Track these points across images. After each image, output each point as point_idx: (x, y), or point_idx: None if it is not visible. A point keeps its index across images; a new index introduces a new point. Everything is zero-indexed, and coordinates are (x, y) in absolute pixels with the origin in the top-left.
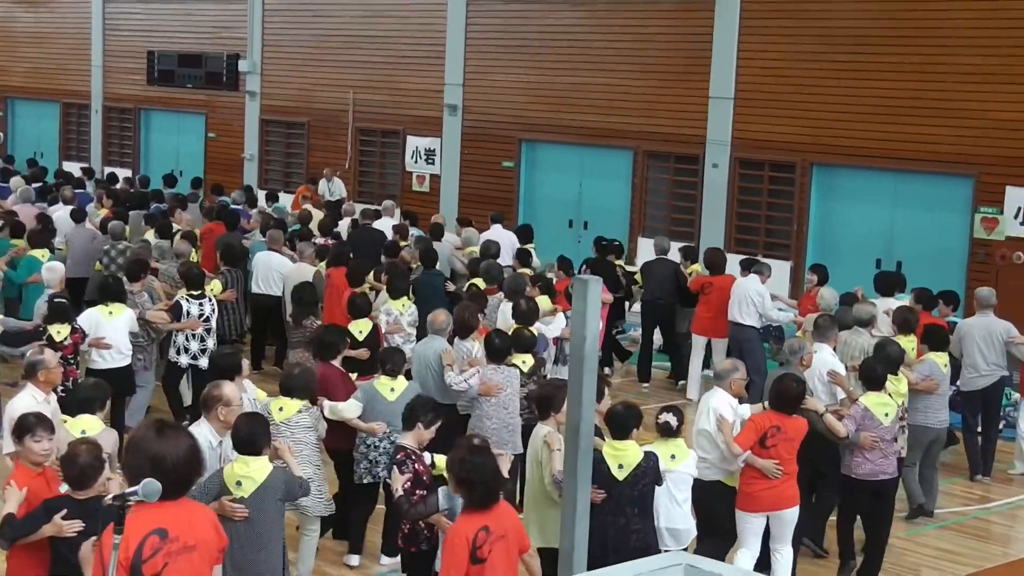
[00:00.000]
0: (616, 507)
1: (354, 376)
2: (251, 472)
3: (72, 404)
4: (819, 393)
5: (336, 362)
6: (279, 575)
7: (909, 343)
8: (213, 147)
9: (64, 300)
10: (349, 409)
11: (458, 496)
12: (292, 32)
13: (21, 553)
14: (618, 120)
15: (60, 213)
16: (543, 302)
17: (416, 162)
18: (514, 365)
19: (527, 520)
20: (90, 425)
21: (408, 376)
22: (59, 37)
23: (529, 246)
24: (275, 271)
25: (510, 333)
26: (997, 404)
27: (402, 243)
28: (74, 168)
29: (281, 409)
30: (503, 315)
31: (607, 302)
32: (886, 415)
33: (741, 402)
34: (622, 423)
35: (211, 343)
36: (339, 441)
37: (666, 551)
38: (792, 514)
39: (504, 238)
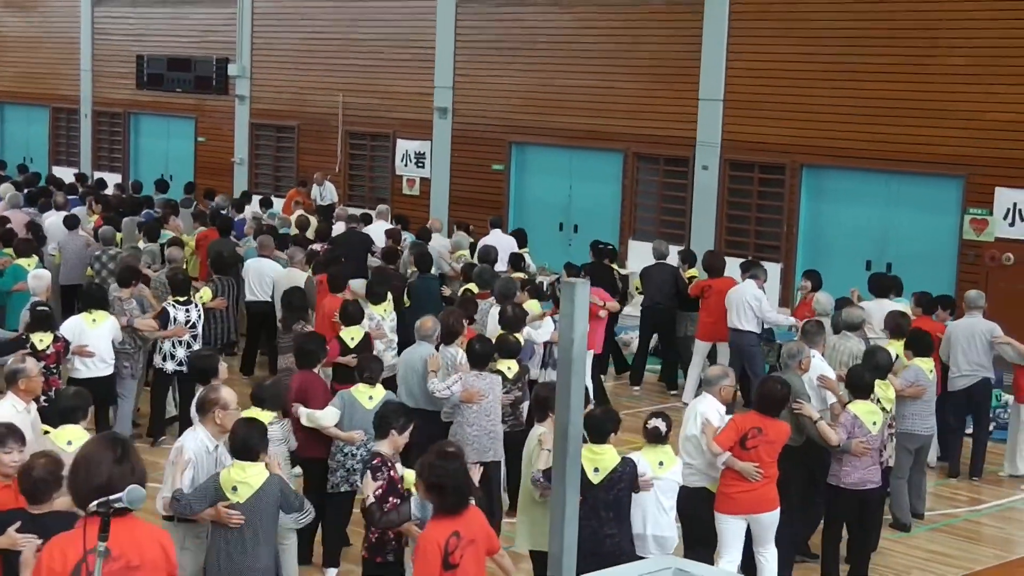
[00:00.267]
0: (591, 511)
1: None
2: (247, 478)
3: (54, 414)
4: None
5: (318, 369)
6: None
7: (901, 348)
8: (203, 151)
9: (47, 308)
10: (327, 417)
11: (430, 505)
12: (281, 36)
13: None
14: (608, 123)
15: (52, 219)
16: (532, 306)
17: (406, 165)
18: (498, 371)
19: (519, 522)
20: (74, 435)
21: (393, 382)
22: (48, 41)
23: (523, 251)
24: (267, 276)
25: (495, 339)
26: (985, 405)
27: (396, 247)
28: (65, 174)
29: None
30: (493, 320)
31: (614, 310)
32: (874, 423)
33: (729, 410)
34: (599, 427)
35: (197, 349)
36: (313, 450)
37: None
38: (771, 518)
39: (504, 242)
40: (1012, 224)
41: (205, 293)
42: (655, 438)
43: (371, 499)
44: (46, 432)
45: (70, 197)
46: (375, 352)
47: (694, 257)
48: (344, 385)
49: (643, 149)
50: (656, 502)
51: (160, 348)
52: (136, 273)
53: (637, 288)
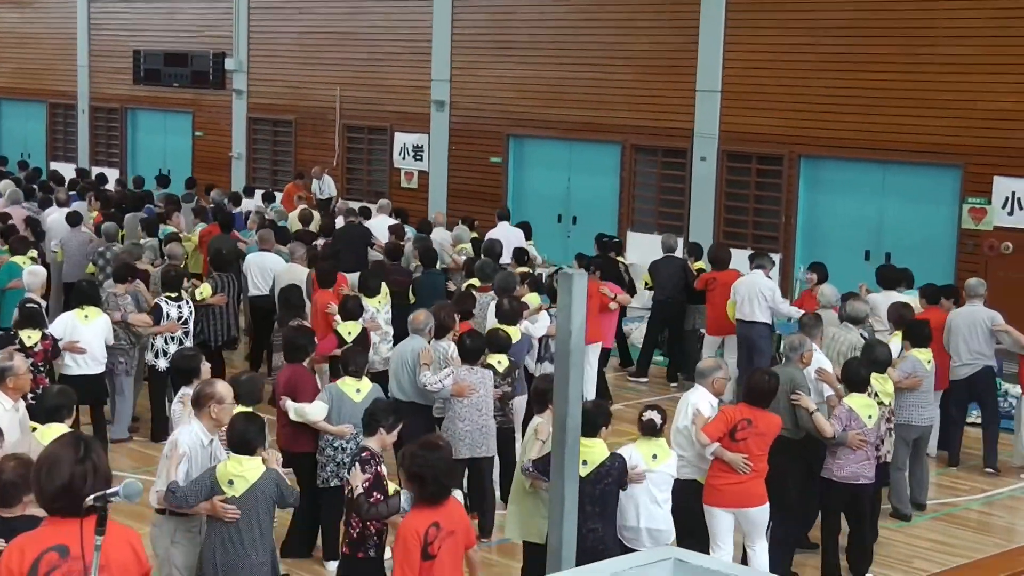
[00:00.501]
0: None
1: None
2: (243, 472)
3: (40, 412)
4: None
5: (306, 363)
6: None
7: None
8: (200, 146)
9: (35, 305)
10: (315, 411)
11: None
12: (278, 30)
13: None
14: (605, 114)
15: (54, 216)
16: (532, 299)
17: (404, 159)
18: (488, 365)
19: (509, 513)
20: (59, 433)
21: (384, 376)
22: (44, 37)
23: (529, 243)
24: (269, 271)
25: (486, 333)
26: (990, 394)
27: (399, 242)
28: (64, 169)
29: None
30: (492, 314)
31: (625, 303)
32: (869, 417)
33: (721, 402)
34: (590, 420)
35: (188, 345)
36: (301, 444)
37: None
38: (758, 513)
39: (511, 235)
40: (1011, 213)
41: (205, 289)
42: (650, 430)
43: (359, 490)
44: (34, 429)
45: (72, 193)
46: (371, 345)
47: (700, 250)
48: None
49: (641, 141)
50: (649, 495)
51: (152, 345)
52: (132, 270)
53: (646, 283)
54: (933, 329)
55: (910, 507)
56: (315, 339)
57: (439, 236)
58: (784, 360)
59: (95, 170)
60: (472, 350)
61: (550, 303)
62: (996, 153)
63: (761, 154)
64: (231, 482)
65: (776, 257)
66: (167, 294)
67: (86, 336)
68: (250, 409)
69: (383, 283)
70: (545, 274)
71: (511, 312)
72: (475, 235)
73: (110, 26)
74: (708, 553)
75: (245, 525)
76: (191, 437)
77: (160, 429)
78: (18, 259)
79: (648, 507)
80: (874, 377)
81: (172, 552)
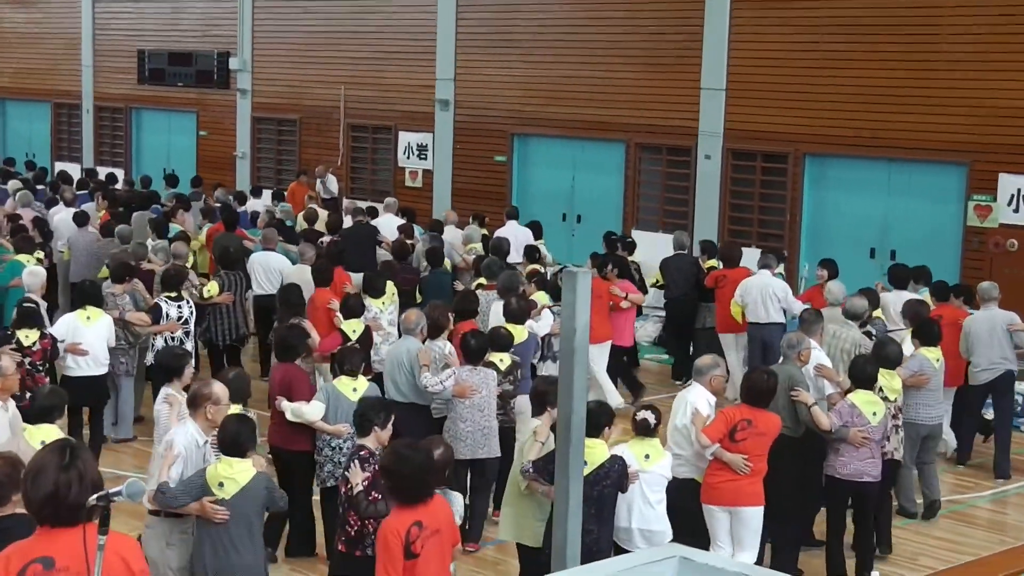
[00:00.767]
0: None
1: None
2: (234, 474)
3: (31, 413)
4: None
5: (300, 362)
6: None
7: None
8: (205, 145)
9: (33, 305)
10: (313, 412)
11: None
12: (282, 29)
13: None
14: (610, 113)
15: (61, 216)
16: (540, 298)
17: (408, 158)
18: (491, 363)
19: (503, 514)
20: (48, 434)
21: (380, 376)
22: (49, 37)
23: (539, 243)
24: (275, 270)
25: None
26: (1007, 399)
27: (408, 242)
28: (70, 170)
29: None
30: (495, 314)
31: (638, 302)
32: (874, 414)
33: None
34: (593, 420)
35: (189, 346)
36: (298, 443)
37: None
38: (751, 514)
39: (520, 234)
40: (1016, 210)
41: (212, 287)
42: (643, 430)
43: (359, 487)
44: (24, 430)
45: (84, 193)
46: (373, 345)
47: (715, 248)
48: None
49: (645, 139)
50: (642, 495)
51: (152, 346)
52: (130, 269)
53: (656, 281)
54: (944, 326)
55: (916, 505)
56: (306, 339)
57: (450, 235)
58: (782, 358)
59: (101, 170)
60: (477, 350)
61: (555, 302)
62: (1002, 150)
63: (766, 152)
64: (221, 484)
65: (783, 254)
66: (166, 294)
67: (88, 337)
68: (241, 408)
69: (389, 284)
70: (551, 273)
71: (519, 311)
72: (484, 232)
73: (114, 26)
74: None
75: (235, 527)
76: (186, 438)
77: None
78: (23, 258)
79: (641, 508)
80: (881, 373)
81: (168, 554)
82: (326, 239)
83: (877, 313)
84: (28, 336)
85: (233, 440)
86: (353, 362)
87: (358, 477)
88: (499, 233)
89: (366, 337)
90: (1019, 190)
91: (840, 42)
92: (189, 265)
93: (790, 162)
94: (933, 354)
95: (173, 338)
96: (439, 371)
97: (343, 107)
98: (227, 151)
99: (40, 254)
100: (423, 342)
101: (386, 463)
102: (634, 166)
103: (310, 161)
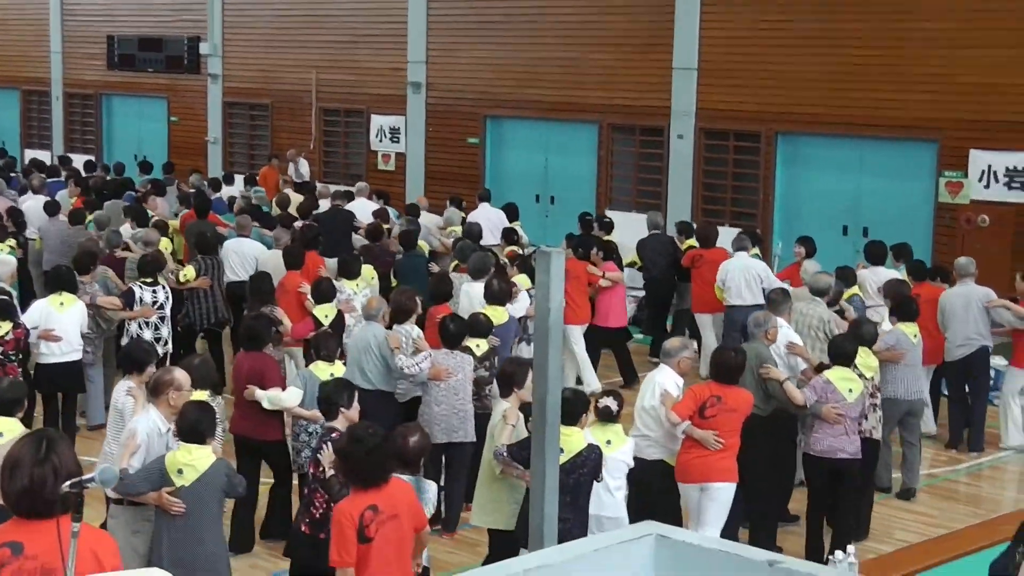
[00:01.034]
0: None
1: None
2: (193, 460)
3: None
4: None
5: (269, 350)
6: (219, 566)
7: None
8: (176, 131)
9: (6, 297)
10: (290, 398)
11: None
12: (252, 13)
13: None
14: (582, 94)
15: (30, 204)
16: (522, 281)
17: (381, 141)
18: (467, 348)
19: (476, 499)
20: (8, 427)
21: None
22: (17, 23)
23: (515, 224)
24: (249, 256)
25: (467, 317)
26: (983, 375)
27: (384, 226)
28: (42, 157)
29: None
30: (466, 295)
31: (615, 280)
32: (850, 391)
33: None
34: (569, 409)
35: (165, 332)
36: (271, 432)
37: None
38: (720, 490)
39: (493, 217)
40: (987, 186)
41: (189, 271)
42: (605, 417)
43: (331, 471)
44: None
45: (53, 180)
46: (346, 327)
47: (691, 228)
48: None
49: (618, 120)
50: (602, 482)
51: (127, 331)
52: (94, 258)
53: (633, 262)
54: (922, 304)
55: (889, 480)
56: (274, 328)
57: (426, 220)
58: (750, 337)
59: (74, 156)
60: (455, 334)
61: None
62: (972, 127)
63: (738, 131)
64: (180, 471)
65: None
66: (142, 279)
67: (62, 323)
68: (205, 395)
69: (368, 267)
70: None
71: (500, 293)
72: (463, 214)
73: (83, 11)
74: None
75: (195, 515)
76: (149, 425)
77: None
78: None
79: (599, 494)
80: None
81: (134, 541)
82: (298, 223)
83: (855, 290)
84: (0, 326)
85: (192, 427)
86: (329, 347)
87: (329, 460)
88: (472, 216)
89: (339, 321)
90: (989, 166)
91: (811, 21)
92: (166, 251)
93: (762, 141)
94: (911, 329)
95: (148, 323)
96: (410, 356)
97: (315, 91)
98: (199, 136)
99: (13, 242)
100: (391, 327)
101: (340, 445)
102: (607, 147)
103: (282, 146)
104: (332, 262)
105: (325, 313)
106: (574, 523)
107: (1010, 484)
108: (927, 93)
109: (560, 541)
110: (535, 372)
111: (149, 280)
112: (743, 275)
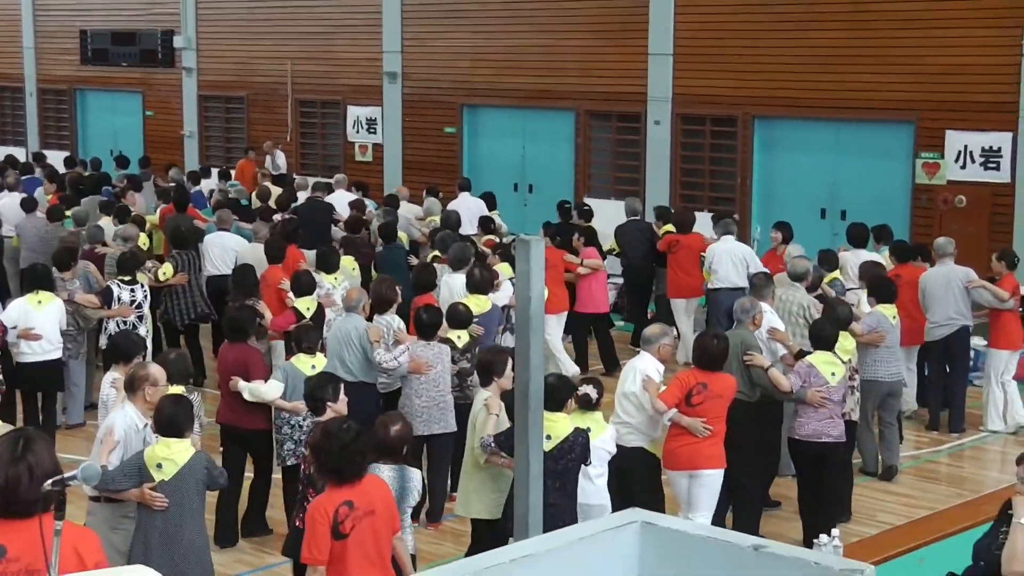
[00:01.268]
0: None
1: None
2: (172, 454)
3: None
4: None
5: (253, 341)
6: (201, 560)
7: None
8: (151, 125)
9: None
10: (271, 390)
11: (408, 472)
12: (226, 6)
13: None
14: (558, 81)
15: (6, 200)
16: (504, 269)
17: (358, 132)
18: (447, 340)
19: (460, 489)
20: None
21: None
22: None
23: (493, 213)
24: (230, 250)
25: (446, 308)
26: (963, 355)
27: (361, 216)
28: (17, 154)
29: None
30: (447, 286)
31: (595, 267)
32: (832, 374)
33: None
34: (554, 395)
35: (143, 330)
36: (255, 421)
37: None
38: (709, 477)
39: (472, 206)
40: (963, 167)
41: (167, 269)
42: (585, 405)
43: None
44: None
45: (28, 177)
46: (326, 320)
47: (669, 213)
48: None
49: (595, 107)
50: (582, 470)
51: (105, 329)
52: (75, 254)
53: (613, 249)
54: (903, 285)
55: (875, 464)
56: (257, 319)
57: (405, 210)
58: (736, 323)
59: (48, 153)
60: (429, 325)
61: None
62: (948, 107)
63: (715, 116)
64: (160, 465)
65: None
66: (120, 277)
67: (39, 321)
68: (181, 389)
69: (348, 259)
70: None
71: (482, 281)
72: (440, 205)
73: (55, 6)
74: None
75: (176, 508)
76: (126, 421)
77: None
78: None
79: (581, 483)
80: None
81: (113, 538)
82: (277, 217)
83: (836, 274)
84: None
85: (169, 421)
86: (310, 339)
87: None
88: (451, 205)
89: (319, 314)
90: (965, 146)
91: (785, 4)
92: (145, 247)
93: (739, 125)
94: (889, 311)
95: (125, 322)
96: (390, 347)
97: (290, 83)
98: (174, 130)
99: None
100: (368, 319)
101: (313, 440)
102: (584, 134)
103: (259, 138)
104: (311, 254)
105: (307, 306)
106: (563, 508)
107: (992, 464)
108: (903, 75)
109: (551, 527)
110: (517, 360)
111: (127, 278)
112: (730, 258)
